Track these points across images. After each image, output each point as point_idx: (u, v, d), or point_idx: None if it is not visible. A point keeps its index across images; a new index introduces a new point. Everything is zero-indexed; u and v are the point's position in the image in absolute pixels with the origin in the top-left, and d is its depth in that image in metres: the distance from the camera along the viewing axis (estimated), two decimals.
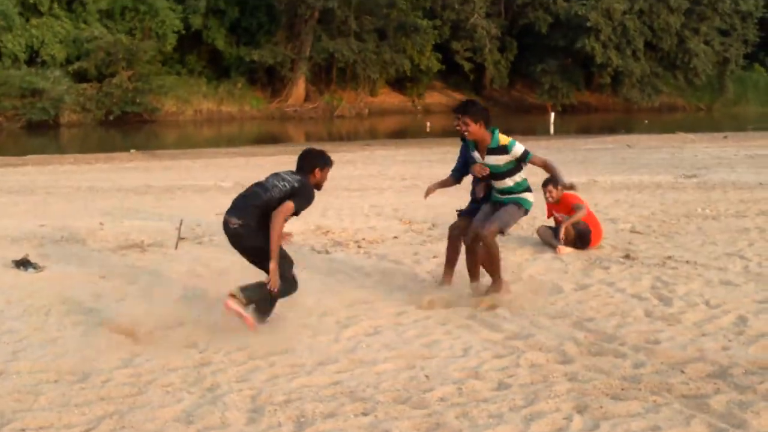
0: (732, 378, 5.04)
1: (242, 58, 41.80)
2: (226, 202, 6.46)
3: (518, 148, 6.62)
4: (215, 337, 5.85)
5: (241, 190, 6.44)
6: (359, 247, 9.28)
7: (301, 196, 6.05)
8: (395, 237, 9.88)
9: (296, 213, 6.06)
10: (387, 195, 13.90)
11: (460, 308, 6.65)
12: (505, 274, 7.14)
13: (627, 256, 8.58)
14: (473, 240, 6.88)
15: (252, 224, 5.95)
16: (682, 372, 5.15)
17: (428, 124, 35.88)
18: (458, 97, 48.46)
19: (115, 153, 24.89)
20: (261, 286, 5.89)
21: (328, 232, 10.16)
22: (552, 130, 32.77)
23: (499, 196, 6.85)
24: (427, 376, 5.09)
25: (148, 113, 38.24)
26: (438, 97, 47.61)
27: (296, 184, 6.06)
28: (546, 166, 6.83)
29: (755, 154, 21.20)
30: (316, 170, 6.21)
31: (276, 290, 5.89)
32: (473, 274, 7.11)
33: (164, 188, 14.97)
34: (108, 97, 36.97)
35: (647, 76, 46.71)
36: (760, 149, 22.90)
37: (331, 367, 5.26)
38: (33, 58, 36.92)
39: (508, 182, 6.74)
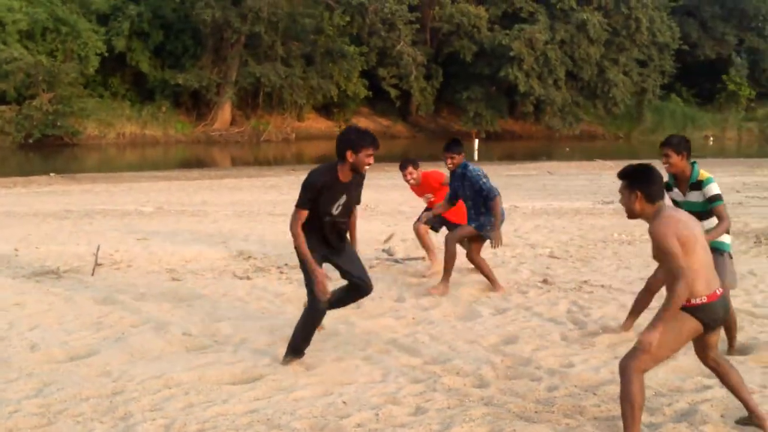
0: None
1: (167, 81, 41.30)
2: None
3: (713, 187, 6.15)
4: (129, 365, 5.74)
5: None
6: (281, 273, 9.23)
7: (301, 188, 5.74)
8: None
9: (305, 207, 5.71)
10: None
11: (380, 333, 6.68)
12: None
13: (545, 281, 8.74)
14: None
15: None
16: (595, 394, 5.27)
17: None
18: (385, 123, 48.93)
19: (34, 176, 24.24)
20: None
21: (250, 257, 10.08)
22: (476, 157, 33.20)
23: None
24: (344, 402, 5.08)
25: (69, 136, 37.36)
26: (365, 123, 47.75)
27: None
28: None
29: None
30: (348, 154, 5.60)
31: (320, 298, 5.65)
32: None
33: (83, 213, 14.63)
34: (27, 120, 35.99)
35: (568, 105, 47.87)
36: None
37: (248, 395, 5.21)
38: None
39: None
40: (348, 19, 43.46)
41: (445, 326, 6.96)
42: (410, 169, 9.16)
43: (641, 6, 47.81)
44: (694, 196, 6.18)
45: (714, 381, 5.47)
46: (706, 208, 6.13)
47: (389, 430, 4.66)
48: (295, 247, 5.69)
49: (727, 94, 56.98)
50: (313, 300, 5.73)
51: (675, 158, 6.15)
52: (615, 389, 5.32)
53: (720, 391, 5.28)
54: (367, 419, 4.82)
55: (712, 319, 4.47)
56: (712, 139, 51.88)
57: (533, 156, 34.56)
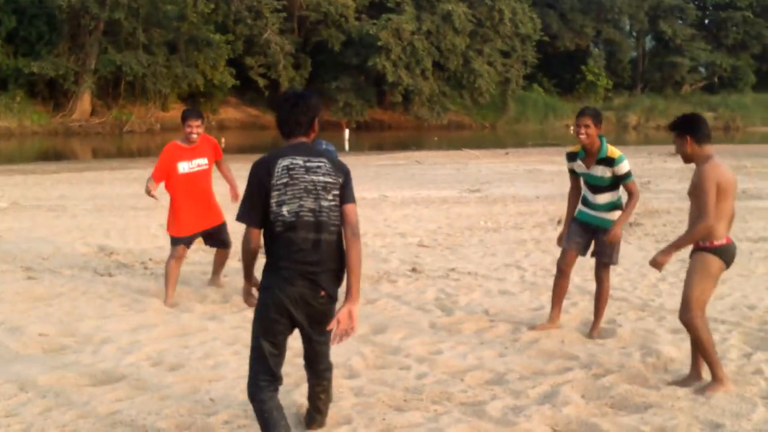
0: (508, 384, 5.30)
1: (21, 69, 39.28)
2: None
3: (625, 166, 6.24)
4: None
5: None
6: (145, 268, 8.93)
7: None
8: None
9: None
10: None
11: (249, 327, 6.55)
12: None
13: (414, 270, 8.84)
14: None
15: None
16: (462, 380, 5.35)
17: (222, 140, 35.34)
18: (254, 113, 48.32)
19: None
20: None
21: (111, 253, 9.70)
22: (347, 147, 33.29)
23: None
24: (212, 400, 4.96)
25: None
26: (233, 113, 47.13)
27: None
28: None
29: (533, 169, 22.65)
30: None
31: None
32: None
33: None
34: None
35: (436, 95, 48.75)
36: (538, 164, 24.50)
37: (110, 396, 5.00)
38: None
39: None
40: (212, 6, 42.62)
41: None
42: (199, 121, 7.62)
43: None
44: (599, 171, 6.24)
45: (575, 363, 5.68)
46: (609, 183, 6.25)
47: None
48: None
49: (586, 84, 59.55)
50: None
51: (593, 129, 6.18)
52: (481, 375, 5.46)
53: (580, 373, 5.48)
54: (235, 415, 4.72)
55: (731, 259, 5.23)
56: (572, 127, 53.96)
57: (402, 146, 34.96)
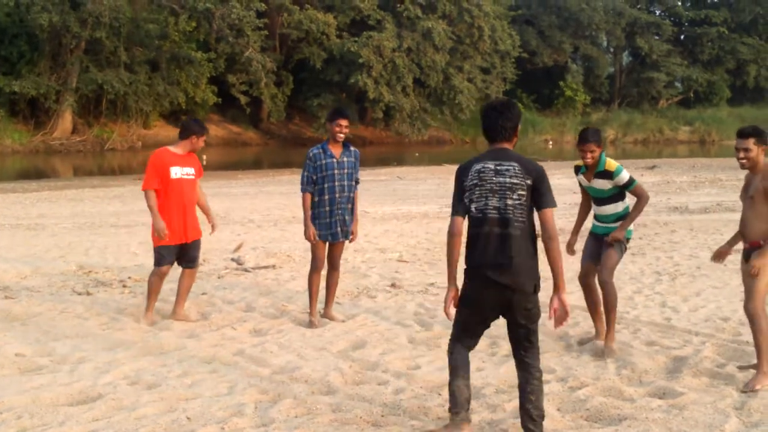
0: (485, 398, 5.34)
1: (2, 89, 39.08)
2: None
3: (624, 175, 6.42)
4: None
5: None
6: (124, 286, 8.92)
7: None
8: None
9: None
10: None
11: (227, 345, 6.57)
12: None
13: (393, 285, 8.88)
14: None
15: None
16: (440, 395, 5.38)
17: (204, 157, 35.30)
18: (236, 130, 48.30)
19: None
20: None
21: (90, 271, 9.68)
22: None
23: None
24: (188, 418, 4.96)
25: None
26: (215, 130, 46.99)
27: None
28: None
29: None
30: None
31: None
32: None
33: None
34: None
35: (417, 111, 48.95)
36: None
37: (86, 416, 4.99)
38: None
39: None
40: (194, 24, 42.66)
41: (294, 334, 6.93)
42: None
43: (483, 15, 49.54)
44: (599, 183, 6.45)
45: (551, 376, 5.73)
46: (610, 194, 6.45)
47: None
48: None
49: (565, 99, 59.98)
50: None
51: (597, 152, 6.35)
52: None
53: (556, 386, 5.53)
54: None
55: None
56: (551, 142, 54.37)
57: (384, 161, 35.03)
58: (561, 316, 4.50)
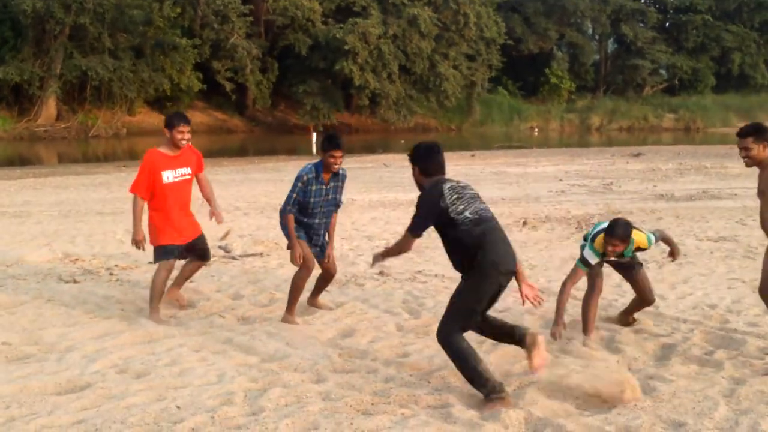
0: None
1: None
2: None
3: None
4: None
5: None
6: (111, 274, 8.87)
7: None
8: (151, 262, 9.53)
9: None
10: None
11: (215, 333, 6.55)
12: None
13: (381, 273, 8.87)
14: None
15: None
16: (429, 383, 5.38)
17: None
18: (221, 117, 48.08)
19: None
20: None
21: (77, 259, 9.61)
22: (315, 150, 33.22)
23: None
24: (178, 407, 4.93)
25: None
26: (200, 117, 46.77)
27: None
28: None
29: (499, 171, 22.79)
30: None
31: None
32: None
33: None
34: None
35: (402, 98, 48.91)
36: (503, 166, 24.67)
37: (74, 405, 4.95)
38: None
39: None
40: (179, 10, 42.42)
41: (283, 322, 6.90)
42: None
43: (468, 2, 49.54)
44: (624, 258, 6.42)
45: None
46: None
47: None
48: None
49: (550, 86, 60.14)
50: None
51: (623, 247, 6.14)
52: (447, 375, 5.49)
53: (545, 373, 5.53)
54: (202, 422, 4.70)
55: None
56: (537, 129, 54.47)
57: (370, 149, 34.98)
58: (535, 295, 5.19)
